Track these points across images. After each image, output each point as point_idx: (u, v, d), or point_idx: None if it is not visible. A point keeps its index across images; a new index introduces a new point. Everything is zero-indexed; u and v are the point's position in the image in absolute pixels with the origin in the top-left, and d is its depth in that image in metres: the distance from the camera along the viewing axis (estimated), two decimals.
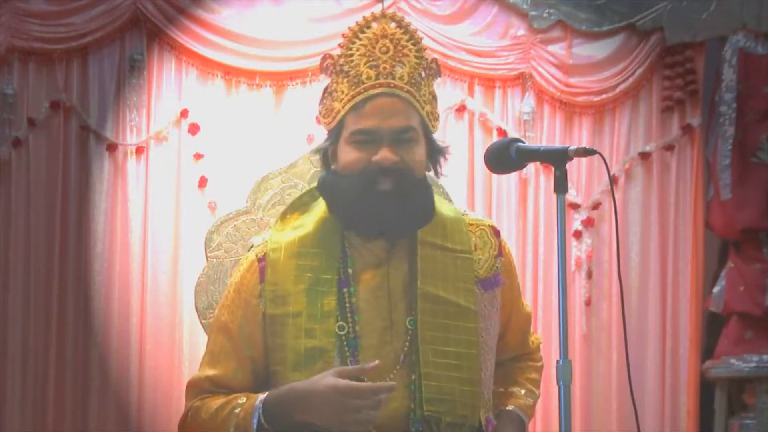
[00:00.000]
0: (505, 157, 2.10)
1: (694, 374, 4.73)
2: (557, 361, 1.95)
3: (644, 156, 4.87)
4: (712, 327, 4.87)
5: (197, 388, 2.26)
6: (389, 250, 2.23)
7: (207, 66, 4.63)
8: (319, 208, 2.28)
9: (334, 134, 2.23)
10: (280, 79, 4.66)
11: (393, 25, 2.22)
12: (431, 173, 2.30)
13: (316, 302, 2.19)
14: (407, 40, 2.22)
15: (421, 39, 2.26)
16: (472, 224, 2.31)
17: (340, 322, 2.18)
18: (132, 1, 4.53)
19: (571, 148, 2.01)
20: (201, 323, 2.54)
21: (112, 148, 4.53)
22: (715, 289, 4.81)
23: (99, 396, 4.43)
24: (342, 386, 2.04)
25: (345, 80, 2.21)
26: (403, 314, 2.21)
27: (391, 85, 2.19)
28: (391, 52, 2.21)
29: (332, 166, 2.25)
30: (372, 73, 2.19)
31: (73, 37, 4.50)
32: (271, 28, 4.66)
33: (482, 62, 4.73)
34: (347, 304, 2.20)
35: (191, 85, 4.63)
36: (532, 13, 4.81)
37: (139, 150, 4.56)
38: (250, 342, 2.22)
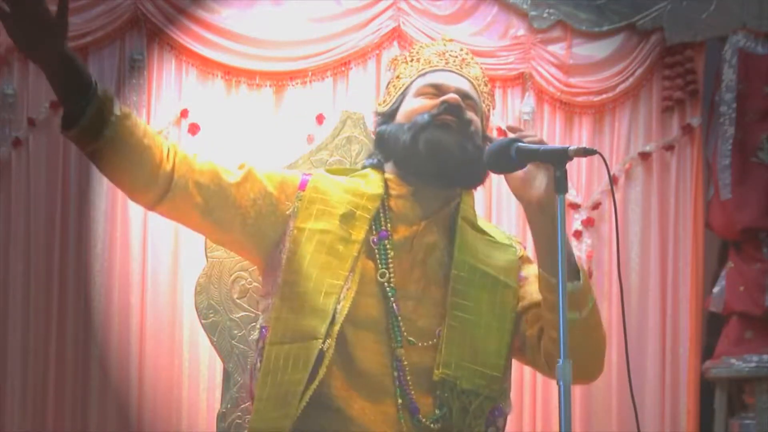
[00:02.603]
0: (505, 157, 2.10)
1: (694, 374, 4.73)
2: (557, 361, 1.95)
3: (644, 156, 4.87)
4: (712, 327, 4.87)
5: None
6: (421, 217, 2.27)
7: (207, 66, 4.63)
8: (363, 175, 2.34)
9: (396, 103, 2.33)
10: (280, 79, 4.66)
11: (463, 51, 2.41)
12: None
13: (346, 228, 2.23)
14: (474, 62, 2.40)
15: (483, 70, 2.43)
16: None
17: (382, 269, 2.22)
18: (132, 1, 4.53)
19: (571, 148, 2.01)
20: (201, 323, 2.55)
21: None
22: (715, 289, 4.81)
23: (99, 396, 4.43)
24: None
25: (414, 64, 2.35)
26: (415, 281, 2.24)
27: (458, 70, 2.34)
28: (459, 58, 2.36)
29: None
30: (441, 60, 2.34)
31: (73, 37, 4.48)
32: (271, 28, 4.66)
33: (482, 62, 4.62)
34: (388, 254, 2.23)
35: (191, 85, 4.63)
36: (532, 13, 4.82)
37: None
38: (251, 194, 2.23)
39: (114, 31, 4.54)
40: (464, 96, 2.28)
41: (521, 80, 4.82)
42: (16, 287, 4.42)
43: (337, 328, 2.14)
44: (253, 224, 2.24)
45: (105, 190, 4.51)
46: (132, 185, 2.16)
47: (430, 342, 2.20)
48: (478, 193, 4.80)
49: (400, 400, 2.15)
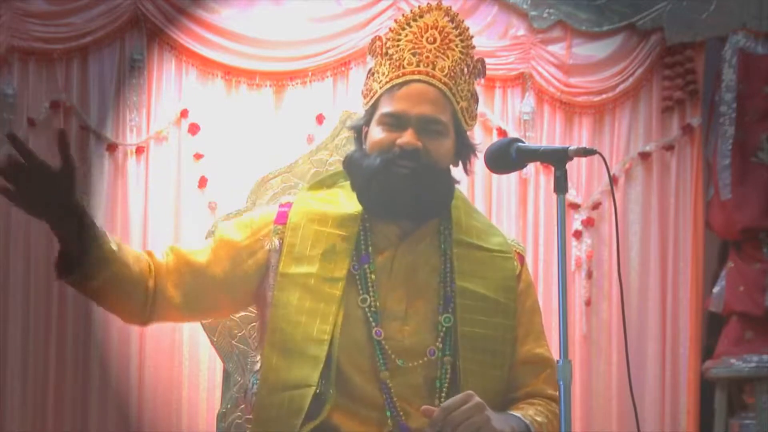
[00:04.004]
0: (505, 157, 2.10)
1: (694, 374, 4.73)
2: (557, 361, 1.95)
3: (644, 156, 4.87)
4: (712, 327, 4.87)
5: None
6: (401, 237, 2.26)
7: (207, 66, 4.63)
8: (346, 186, 2.32)
9: (369, 114, 2.28)
10: (280, 79, 4.67)
11: (446, 18, 2.28)
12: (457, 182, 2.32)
13: (327, 267, 2.21)
14: (456, 35, 2.28)
15: (471, 37, 2.31)
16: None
17: (363, 295, 2.19)
18: (132, 1, 4.53)
19: (571, 148, 2.01)
20: (201, 323, 2.54)
21: (112, 148, 4.53)
22: (715, 289, 4.81)
23: (99, 396, 4.43)
24: None
25: (387, 63, 2.27)
26: (398, 301, 2.21)
27: (429, 74, 2.23)
28: (437, 43, 2.26)
29: (363, 146, 2.29)
30: (414, 60, 2.24)
31: (73, 37, 4.50)
32: (271, 28, 4.66)
33: None
34: (369, 279, 2.21)
35: (191, 85, 4.63)
36: (532, 13, 4.82)
37: (139, 150, 4.56)
38: (226, 260, 2.24)
39: (114, 31, 4.54)
40: (427, 122, 2.21)
41: (521, 80, 4.82)
42: (16, 287, 4.43)
43: (333, 373, 2.13)
44: (240, 284, 2.26)
45: (105, 190, 4.51)
46: (130, 313, 2.22)
47: (421, 361, 2.18)
48: (478, 193, 4.85)
49: (390, 422, 2.14)
